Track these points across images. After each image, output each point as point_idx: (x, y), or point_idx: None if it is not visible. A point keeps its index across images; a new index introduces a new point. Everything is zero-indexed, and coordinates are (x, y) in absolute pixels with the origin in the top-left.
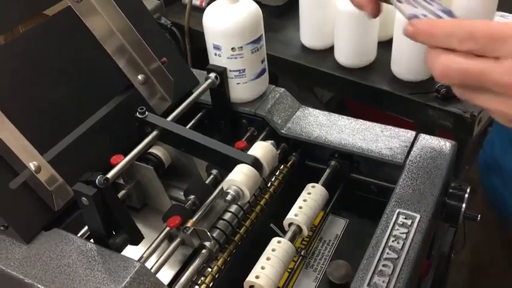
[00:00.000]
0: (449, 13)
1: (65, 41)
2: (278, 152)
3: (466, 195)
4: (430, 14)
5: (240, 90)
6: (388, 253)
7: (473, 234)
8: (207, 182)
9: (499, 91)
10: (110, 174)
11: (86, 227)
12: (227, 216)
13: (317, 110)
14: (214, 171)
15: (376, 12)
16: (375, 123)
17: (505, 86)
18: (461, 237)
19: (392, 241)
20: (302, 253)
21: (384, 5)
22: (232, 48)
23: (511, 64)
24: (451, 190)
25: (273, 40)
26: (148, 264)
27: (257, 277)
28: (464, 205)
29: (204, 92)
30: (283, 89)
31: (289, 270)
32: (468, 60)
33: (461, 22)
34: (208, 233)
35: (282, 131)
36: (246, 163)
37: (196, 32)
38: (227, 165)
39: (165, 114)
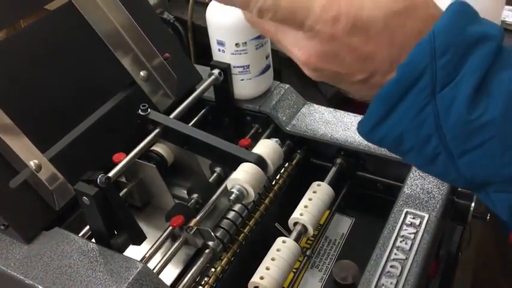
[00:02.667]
0: None
1: (66, 36)
2: (283, 149)
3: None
4: None
5: (244, 87)
6: (395, 254)
7: (477, 232)
8: (210, 180)
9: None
10: (111, 173)
11: (88, 227)
12: (231, 215)
13: (322, 107)
14: (218, 169)
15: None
16: None
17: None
18: (467, 236)
19: (400, 241)
20: (307, 253)
21: None
22: (236, 44)
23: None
24: (459, 189)
25: None
26: (151, 264)
27: (262, 278)
28: (473, 204)
29: (208, 88)
30: (288, 85)
31: (294, 270)
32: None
33: None
34: (212, 233)
35: (287, 128)
36: (250, 161)
37: (199, 27)
38: (231, 163)
39: (168, 111)
